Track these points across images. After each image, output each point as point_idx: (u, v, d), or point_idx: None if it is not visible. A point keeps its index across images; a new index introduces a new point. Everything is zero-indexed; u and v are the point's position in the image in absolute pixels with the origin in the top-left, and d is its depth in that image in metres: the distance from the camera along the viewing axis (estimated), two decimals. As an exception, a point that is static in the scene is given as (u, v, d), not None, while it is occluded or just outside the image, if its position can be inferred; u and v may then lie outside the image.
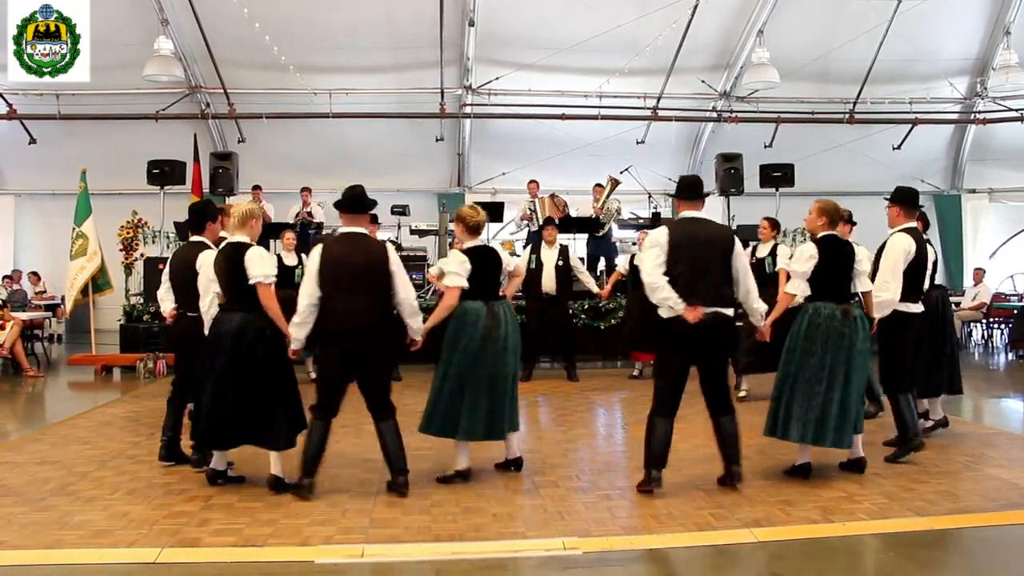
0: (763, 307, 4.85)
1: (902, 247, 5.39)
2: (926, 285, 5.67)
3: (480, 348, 4.80)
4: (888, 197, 5.66)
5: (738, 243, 4.77)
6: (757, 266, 7.78)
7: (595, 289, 9.65)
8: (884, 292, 5.30)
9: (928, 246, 5.68)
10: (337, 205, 4.83)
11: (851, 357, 4.84)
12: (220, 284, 4.84)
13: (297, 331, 4.67)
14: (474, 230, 5.07)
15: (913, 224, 5.55)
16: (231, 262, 4.74)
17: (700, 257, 4.61)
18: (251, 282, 4.67)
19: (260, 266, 4.70)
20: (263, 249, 4.89)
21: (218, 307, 4.87)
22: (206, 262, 5.05)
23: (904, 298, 5.39)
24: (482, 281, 4.95)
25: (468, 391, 4.80)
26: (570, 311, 10.04)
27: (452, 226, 5.05)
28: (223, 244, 4.95)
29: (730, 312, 4.70)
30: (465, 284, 4.87)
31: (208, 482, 4.84)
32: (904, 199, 5.58)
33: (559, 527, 4.13)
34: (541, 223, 11.91)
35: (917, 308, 5.51)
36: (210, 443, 4.84)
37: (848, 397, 4.85)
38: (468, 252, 4.98)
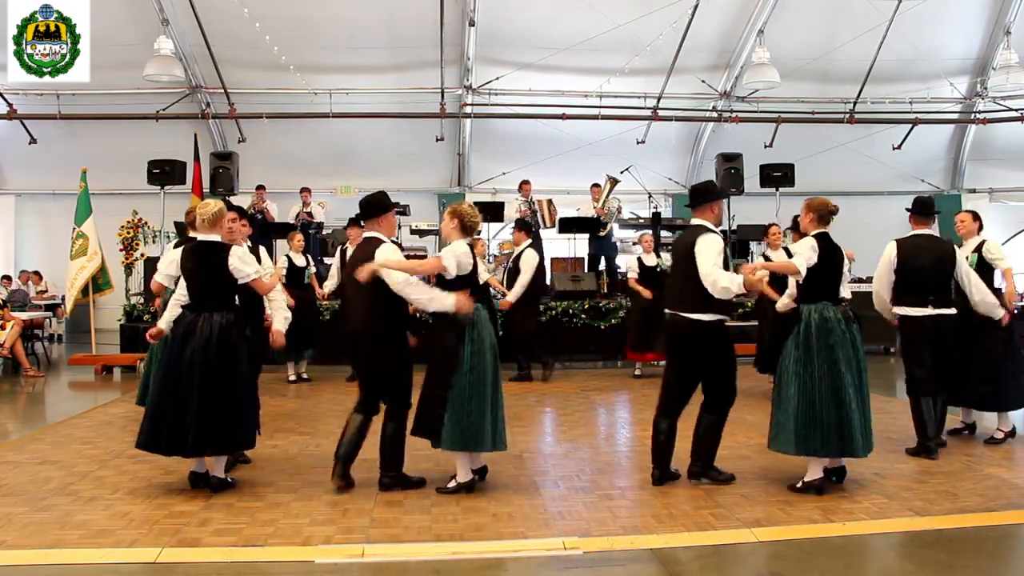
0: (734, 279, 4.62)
1: (884, 254, 5.81)
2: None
3: (494, 354, 4.70)
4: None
5: (699, 241, 4.64)
6: None
7: (502, 291, 9.10)
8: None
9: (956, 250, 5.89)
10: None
11: (859, 360, 4.73)
12: (188, 285, 4.74)
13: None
14: (469, 230, 4.89)
15: (918, 231, 5.84)
16: (204, 262, 4.67)
17: (678, 262, 4.88)
18: (242, 281, 4.67)
19: (251, 264, 4.73)
20: (242, 248, 4.86)
21: (181, 308, 4.77)
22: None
23: (900, 302, 5.74)
24: (476, 283, 4.82)
25: (491, 400, 4.62)
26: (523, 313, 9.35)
27: (445, 220, 4.91)
28: (193, 243, 4.83)
29: (700, 316, 4.66)
30: (454, 271, 4.61)
31: (191, 485, 4.73)
32: (913, 207, 5.94)
33: (559, 527, 4.13)
34: (544, 224, 11.94)
35: (915, 311, 5.67)
36: (169, 449, 4.61)
37: (865, 400, 4.71)
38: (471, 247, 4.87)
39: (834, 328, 4.66)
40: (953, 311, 5.69)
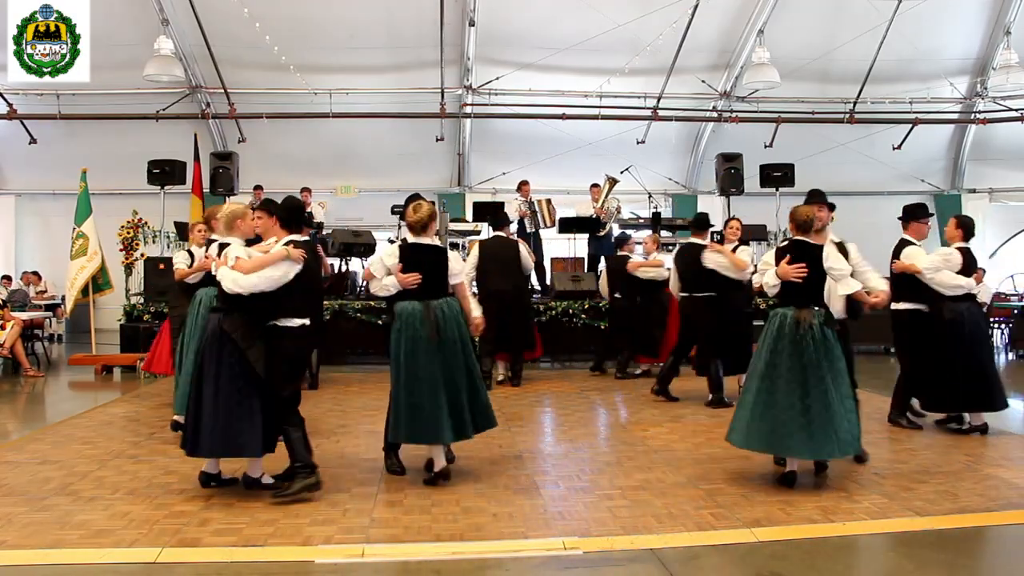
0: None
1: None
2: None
3: (427, 348, 4.74)
4: None
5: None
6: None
7: None
8: None
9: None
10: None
11: (833, 364, 4.69)
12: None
13: None
14: (411, 228, 5.03)
15: (905, 236, 6.38)
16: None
17: None
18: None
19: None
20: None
21: (209, 309, 4.84)
22: None
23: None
24: (436, 280, 4.94)
25: (434, 394, 4.72)
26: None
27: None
28: (212, 246, 4.92)
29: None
30: (381, 274, 4.92)
31: (201, 484, 4.77)
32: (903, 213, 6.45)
33: (559, 527, 4.13)
34: (544, 224, 11.92)
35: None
36: (191, 450, 4.61)
37: (826, 405, 4.63)
38: (407, 247, 4.93)
39: (788, 334, 4.74)
40: (902, 306, 6.27)
